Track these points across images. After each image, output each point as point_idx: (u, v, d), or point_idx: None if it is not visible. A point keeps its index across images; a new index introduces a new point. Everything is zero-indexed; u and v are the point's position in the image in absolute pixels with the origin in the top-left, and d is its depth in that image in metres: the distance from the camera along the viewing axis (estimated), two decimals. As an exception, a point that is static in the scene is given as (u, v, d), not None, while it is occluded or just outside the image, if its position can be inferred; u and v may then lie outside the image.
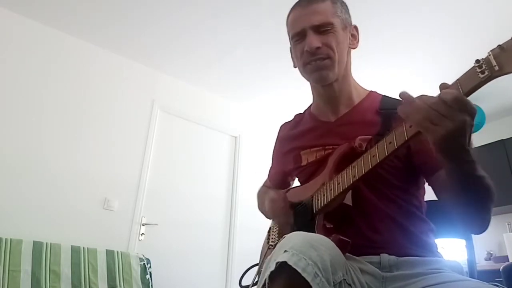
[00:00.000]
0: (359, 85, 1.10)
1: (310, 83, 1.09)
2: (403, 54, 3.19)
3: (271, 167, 1.30)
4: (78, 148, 2.97)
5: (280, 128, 1.26)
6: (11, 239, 2.32)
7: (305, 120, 1.15)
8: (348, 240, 0.80)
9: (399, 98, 0.72)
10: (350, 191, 0.89)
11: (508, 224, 3.57)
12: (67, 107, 3.01)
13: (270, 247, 1.04)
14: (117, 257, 2.68)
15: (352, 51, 1.06)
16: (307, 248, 0.66)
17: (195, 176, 3.56)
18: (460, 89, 0.65)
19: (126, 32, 3.12)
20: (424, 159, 0.91)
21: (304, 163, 1.06)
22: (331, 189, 0.88)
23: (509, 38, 0.62)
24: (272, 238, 1.07)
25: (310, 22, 0.97)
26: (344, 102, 1.05)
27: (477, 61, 0.63)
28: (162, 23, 2.99)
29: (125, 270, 2.65)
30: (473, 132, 0.69)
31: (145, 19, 2.96)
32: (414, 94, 0.71)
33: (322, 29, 0.97)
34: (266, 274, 0.68)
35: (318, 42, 0.95)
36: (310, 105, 1.17)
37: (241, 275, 1.10)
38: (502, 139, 3.69)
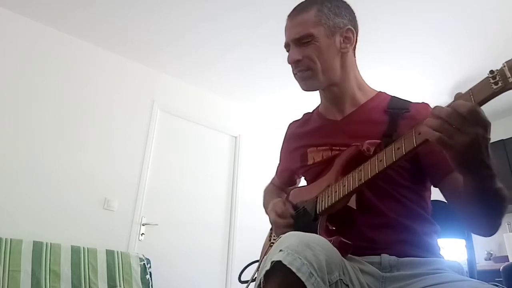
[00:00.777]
0: (367, 85, 1.10)
1: None
2: (409, 54, 3.19)
3: (278, 165, 1.30)
4: (78, 148, 2.97)
5: (289, 126, 1.26)
6: (11, 239, 2.32)
7: (313, 119, 1.16)
8: (350, 243, 0.80)
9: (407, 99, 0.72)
10: (355, 194, 0.89)
11: (508, 224, 3.57)
12: (67, 107, 3.01)
13: (272, 244, 1.04)
14: (117, 257, 2.68)
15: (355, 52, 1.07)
16: (303, 248, 0.66)
17: (195, 176, 3.56)
18: (472, 99, 0.64)
19: (126, 32, 3.12)
20: (434, 161, 0.90)
21: (310, 162, 1.05)
22: (336, 191, 0.88)
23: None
24: (274, 236, 1.07)
25: (291, 35, 1.02)
26: (349, 101, 1.05)
27: (491, 71, 0.62)
28: (162, 23, 2.99)
29: (125, 270, 2.65)
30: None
31: (145, 19, 2.96)
32: (420, 94, 0.71)
33: (303, 41, 1.00)
34: (261, 273, 0.68)
35: (298, 55, 1.00)
36: (319, 105, 1.18)
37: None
38: (502, 139, 3.70)
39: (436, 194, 0.98)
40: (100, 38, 3.21)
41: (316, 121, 1.14)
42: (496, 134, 3.77)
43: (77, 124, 3.02)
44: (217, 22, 2.95)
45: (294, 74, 1.05)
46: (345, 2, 1.07)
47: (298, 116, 1.25)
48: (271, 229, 1.14)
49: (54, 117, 2.93)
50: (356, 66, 1.08)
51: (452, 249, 3.08)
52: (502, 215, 0.78)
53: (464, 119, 0.63)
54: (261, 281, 0.67)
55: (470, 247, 1.11)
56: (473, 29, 2.88)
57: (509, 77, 0.60)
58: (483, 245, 3.69)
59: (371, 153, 0.89)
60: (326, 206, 0.90)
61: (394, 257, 0.85)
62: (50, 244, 2.45)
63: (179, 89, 3.72)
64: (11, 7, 2.89)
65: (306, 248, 0.66)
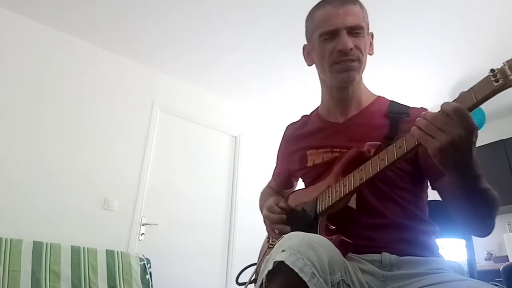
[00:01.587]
0: (368, 89, 1.10)
1: (324, 84, 1.08)
2: (409, 54, 3.19)
3: (275, 167, 1.29)
4: (78, 148, 2.97)
5: (286, 128, 1.25)
6: (11, 239, 2.32)
7: (312, 120, 1.15)
8: (350, 241, 0.80)
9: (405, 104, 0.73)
10: (355, 194, 0.89)
11: (508, 224, 3.58)
12: (67, 107, 3.01)
13: (270, 246, 1.04)
14: (117, 257, 2.68)
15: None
16: (305, 248, 0.66)
17: (195, 176, 3.56)
18: (474, 97, 0.66)
19: (126, 32, 3.13)
20: (430, 163, 0.90)
21: (310, 164, 1.05)
22: (337, 191, 0.88)
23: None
24: (272, 238, 1.07)
25: (345, 22, 0.96)
26: (354, 104, 1.05)
27: (492, 70, 0.64)
28: (162, 23, 2.99)
29: (125, 270, 2.65)
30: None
31: (145, 19, 2.96)
32: (420, 94, 0.73)
33: (355, 31, 0.97)
34: (263, 274, 0.68)
35: (351, 44, 0.95)
36: (318, 107, 1.17)
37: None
38: (502, 139, 3.70)
39: (436, 194, 0.98)
40: (100, 38, 3.21)
41: (315, 123, 1.13)
42: (496, 134, 3.78)
43: (77, 124, 3.02)
44: (217, 22, 2.95)
45: (335, 63, 0.97)
46: None
47: (298, 116, 1.24)
48: None
49: (54, 117, 2.93)
50: None
51: (452, 249, 3.08)
52: (492, 215, 0.79)
53: (449, 118, 0.66)
54: (264, 281, 0.67)
55: (470, 247, 1.11)
56: (473, 29, 2.88)
57: (510, 75, 0.61)
58: (483, 245, 3.68)
59: (371, 154, 0.90)
60: (327, 206, 0.90)
61: (394, 255, 0.85)
62: (50, 244, 2.45)
63: (179, 89, 3.72)
64: (11, 7, 2.89)
65: (309, 249, 0.66)
